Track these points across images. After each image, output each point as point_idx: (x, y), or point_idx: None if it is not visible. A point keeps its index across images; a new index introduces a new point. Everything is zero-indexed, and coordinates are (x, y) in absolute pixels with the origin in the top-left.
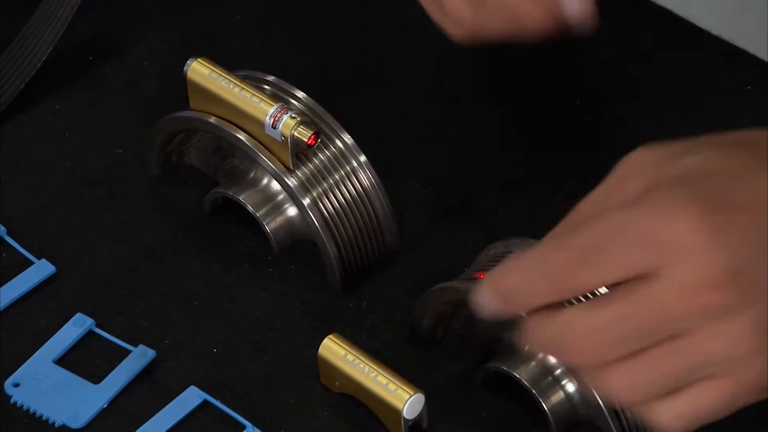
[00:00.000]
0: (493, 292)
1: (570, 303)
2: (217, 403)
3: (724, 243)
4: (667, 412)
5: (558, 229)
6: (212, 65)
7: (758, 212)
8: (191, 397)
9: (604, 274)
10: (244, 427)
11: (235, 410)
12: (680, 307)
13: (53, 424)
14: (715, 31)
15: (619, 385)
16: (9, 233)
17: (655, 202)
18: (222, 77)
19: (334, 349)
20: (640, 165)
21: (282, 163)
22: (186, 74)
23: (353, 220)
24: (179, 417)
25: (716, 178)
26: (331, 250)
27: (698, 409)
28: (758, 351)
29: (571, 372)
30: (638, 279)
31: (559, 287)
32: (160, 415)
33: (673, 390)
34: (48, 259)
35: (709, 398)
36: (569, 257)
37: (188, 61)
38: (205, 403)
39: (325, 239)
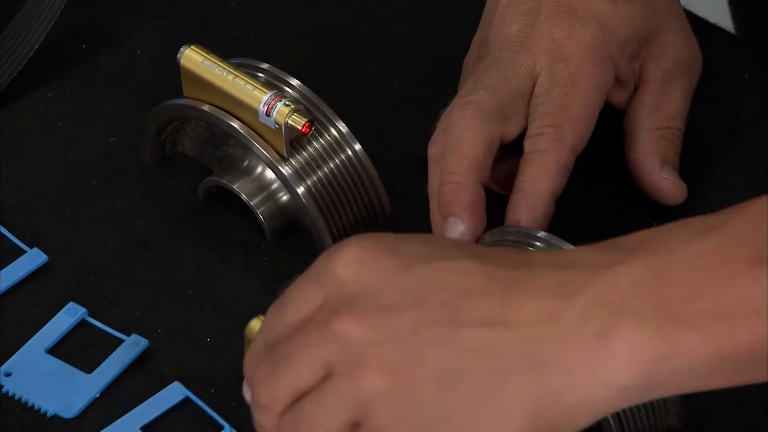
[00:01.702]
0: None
1: None
2: (198, 401)
3: (370, 276)
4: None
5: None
6: (206, 53)
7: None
8: (174, 393)
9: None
10: (222, 427)
11: (228, 400)
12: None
13: (45, 413)
14: (712, 19)
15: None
16: (1, 222)
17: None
18: (215, 65)
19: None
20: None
21: (276, 152)
22: (179, 62)
23: (348, 208)
24: (159, 412)
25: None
26: (325, 238)
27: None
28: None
29: None
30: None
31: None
32: (140, 408)
33: None
34: (40, 248)
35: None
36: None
37: (181, 49)
38: (187, 400)
39: (319, 228)
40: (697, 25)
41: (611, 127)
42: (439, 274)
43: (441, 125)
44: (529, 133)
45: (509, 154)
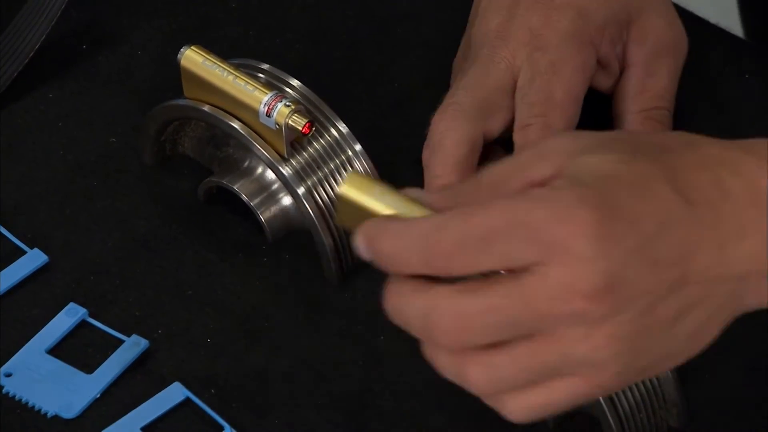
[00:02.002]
0: (366, 244)
1: None
2: (199, 401)
3: (607, 253)
4: (518, 404)
5: (457, 191)
6: (206, 53)
7: (650, 225)
8: (174, 394)
9: (482, 263)
10: (222, 428)
11: (228, 401)
12: (548, 307)
13: (46, 414)
14: (713, 20)
15: (477, 377)
16: (1, 222)
17: (551, 199)
18: (216, 65)
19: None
20: (554, 151)
21: (276, 152)
22: (180, 62)
23: None
24: (159, 413)
25: (617, 185)
26: (326, 239)
27: (547, 404)
28: (615, 358)
29: (425, 350)
30: (515, 272)
31: (433, 265)
32: (141, 409)
33: (530, 385)
34: (41, 249)
35: (560, 395)
36: (451, 240)
37: (182, 49)
38: (188, 400)
39: (320, 228)
40: (698, 26)
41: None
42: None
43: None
44: (516, 125)
45: (504, 152)
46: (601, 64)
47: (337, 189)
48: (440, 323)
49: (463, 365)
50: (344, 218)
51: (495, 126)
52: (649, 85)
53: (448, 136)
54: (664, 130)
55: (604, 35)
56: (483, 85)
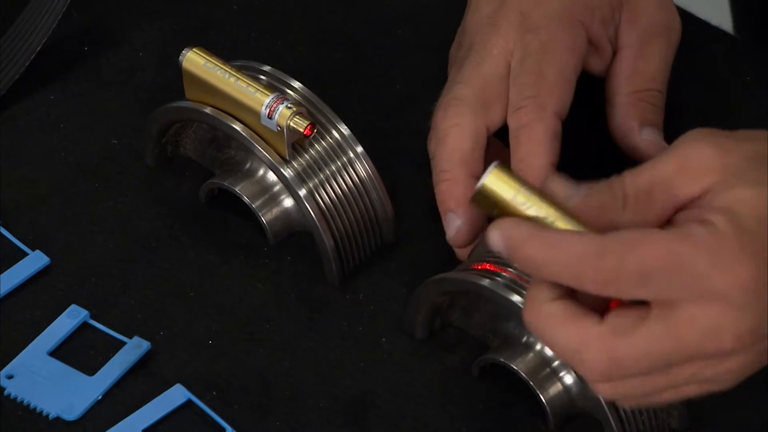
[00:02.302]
0: (506, 243)
1: None
2: (200, 403)
3: (758, 304)
4: (644, 402)
5: (601, 200)
6: (208, 55)
7: None
8: (176, 396)
9: (635, 294)
10: (224, 429)
11: (230, 402)
12: (696, 347)
13: (47, 416)
14: (714, 22)
15: (607, 393)
16: (3, 224)
17: (715, 247)
18: (217, 67)
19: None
20: (702, 168)
21: (278, 154)
22: (181, 64)
23: (350, 211)
24: (161, 415)
25: None
26: (327, 241)
27: (667, 401)
28: (739, 376)
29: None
30: (664, 307)
31: (584, 286)
32: (142, 411)
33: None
34: (42, 251)
35: (681, 396)
36: (610, 269)
37: (183, 51)
38: (189, 402)
39: (321, 230)
40: (699, 27)
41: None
42: None
43: (432, 123)
44: (510, 108)
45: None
46: (593, 46)
47: (481, 180)
48: (591, 363)
49: (603, 387)
50: (480, 203)
51: (497, 115)
52: (641, 67)
53: (451, 132)
54: (656, 111)
55: (595, 16)
56: (480, 75)
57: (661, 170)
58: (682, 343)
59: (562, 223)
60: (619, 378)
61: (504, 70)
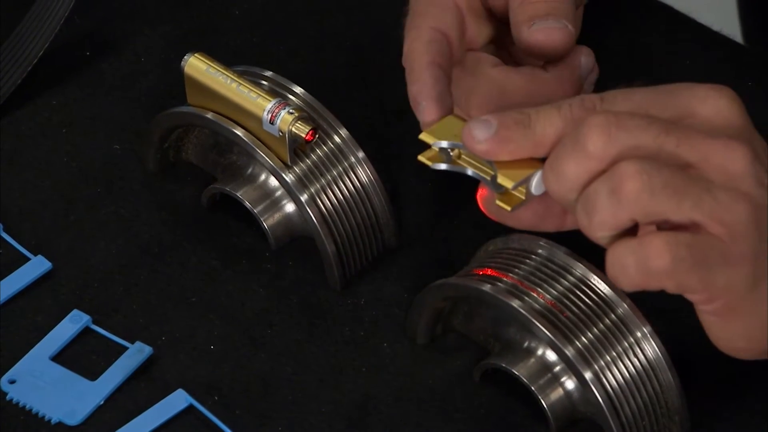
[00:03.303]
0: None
1: None
2: (202, 408)
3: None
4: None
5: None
6: (209, 60)
7: None
8: (178, 401)
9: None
10: None
11: (232, 408)
12: (693, 108)
13: (49, 420)
14: (715, 27)
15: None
16: (5, 229)
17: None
18: (219, 72)
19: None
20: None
21: (280, 159)
22: (183, 69)
23: (351, 216)
24: (163, 419)
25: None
26: (329, 246)
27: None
28: (747, 213)
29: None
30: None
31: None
32: (144, 416)
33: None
34: (44, 256)
35: (703, 204)
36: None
37: (185, 57)
38: (191, 407)
39: (323, 235)
40: (700, 32)
41: None
42: None
43: None
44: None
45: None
46: None
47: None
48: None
49: (641, 242)
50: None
51: (450, 18)
52: None
53: (410, 35)
54: (551, 3)
55: None
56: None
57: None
58: (679, 99)
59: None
60: (621, 128)
61: None
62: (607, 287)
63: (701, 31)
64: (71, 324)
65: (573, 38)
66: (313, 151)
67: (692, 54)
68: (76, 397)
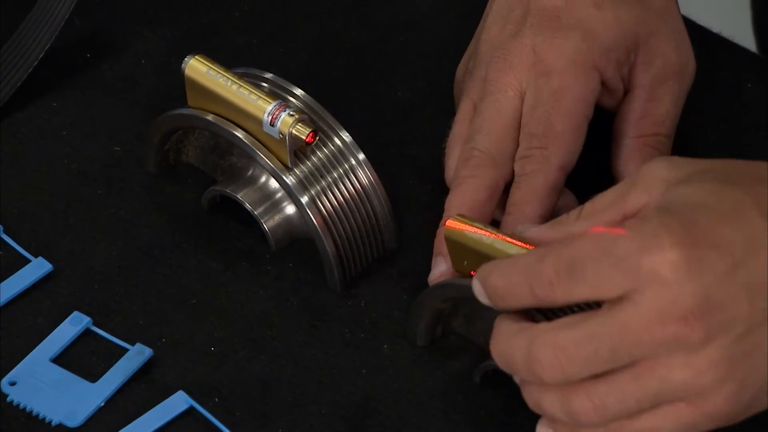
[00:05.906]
0: (480, 286)
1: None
2: (203, 410)
3: (696, 276)
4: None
5: (559, 222)
6: (210, 62)
7: (739, 251)
8: (178, 402)
9: (580, 291)
10: None
11: (232, 409)
12: (646, 334)
13: (50, 422)
14: (715, 29)
15: (582, 406)
16: (6, 231)
17: (636, 228)
18: (220, 74)
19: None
20: (650, 179)
21: (280, 161)
22: (183, 71)
23: (351, 218)
24: (163, 421)
25: (705, 212)
26: (329, 248)
27: (657, 431)
28: (721, 382)
29: (529, 397)
30: (612, 302)
31: (537, 295)
32: (144, 418)
33: (636, 412)
34: (45, 257)
35: (668, 422)
36: (550, 268)
37: (186, 58)
38: (191, 409)
39: (323, 237)
40: (700, 34)
41: (605, 129)
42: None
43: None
44: (517, 155)
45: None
46: (605, 87)
47: (444, 233)
48: (541, 356)
49: (568, 398)
50: (458, 265)
51: (512, 168)
52: (651, 110)
53: (469, 182)
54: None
55: (609, 59)
56: (498, 123)
57: (616, 186)
58: (627, 329)
59: (515, 249)
60: (575, 373)
61: (520, 114)
62: None
63: (701, 32)
64: (72, 326)
65: None
66: (313, 153)
67: (704, 62)
68: (77, 398)
